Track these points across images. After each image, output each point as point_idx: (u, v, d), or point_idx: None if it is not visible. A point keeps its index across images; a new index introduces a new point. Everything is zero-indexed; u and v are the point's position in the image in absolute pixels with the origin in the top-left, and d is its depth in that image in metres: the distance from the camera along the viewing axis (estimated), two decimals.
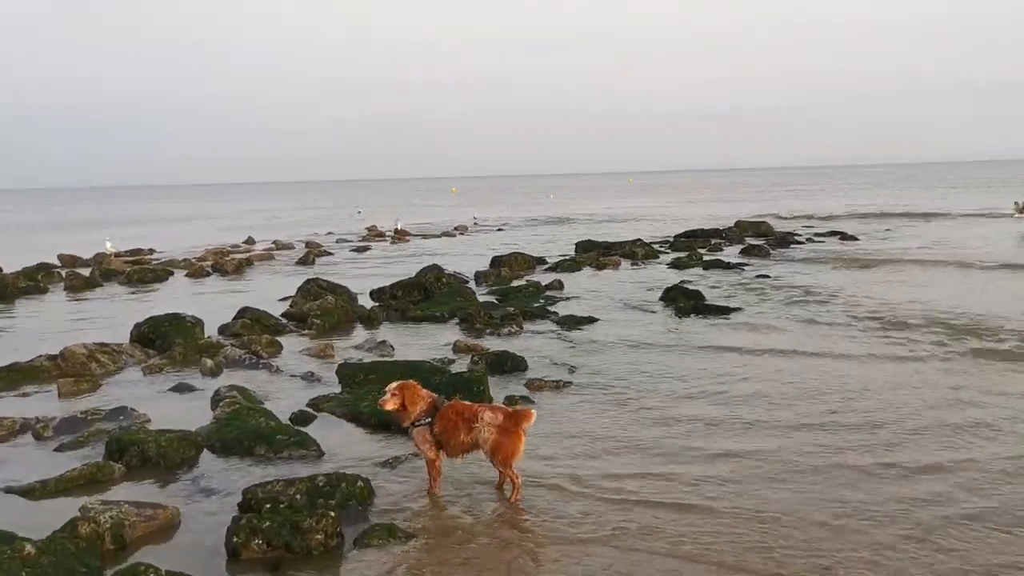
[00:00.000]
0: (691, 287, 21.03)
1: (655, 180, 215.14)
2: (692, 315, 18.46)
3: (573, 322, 17.89)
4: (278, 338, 16.38)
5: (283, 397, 12.29)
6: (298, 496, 8.04)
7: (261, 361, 14.43)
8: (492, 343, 15.89)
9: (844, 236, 36.53)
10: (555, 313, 19.08)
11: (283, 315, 19.01)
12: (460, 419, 8.43)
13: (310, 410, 11.50)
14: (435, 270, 23.74)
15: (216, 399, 11.64)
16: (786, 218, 51.13)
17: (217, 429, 10.31)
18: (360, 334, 17.69)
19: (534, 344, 15.72)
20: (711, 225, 42.39)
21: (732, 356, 14.36)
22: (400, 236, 44.91)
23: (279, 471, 9.26)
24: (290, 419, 11.01)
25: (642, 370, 13.54)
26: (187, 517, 8.08)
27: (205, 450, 9.98)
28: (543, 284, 23.15)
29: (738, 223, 42.58)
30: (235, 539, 7.22)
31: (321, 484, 8.18)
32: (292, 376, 13.69)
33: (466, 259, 31.92)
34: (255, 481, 8.72)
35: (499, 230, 50.32)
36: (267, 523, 7.32)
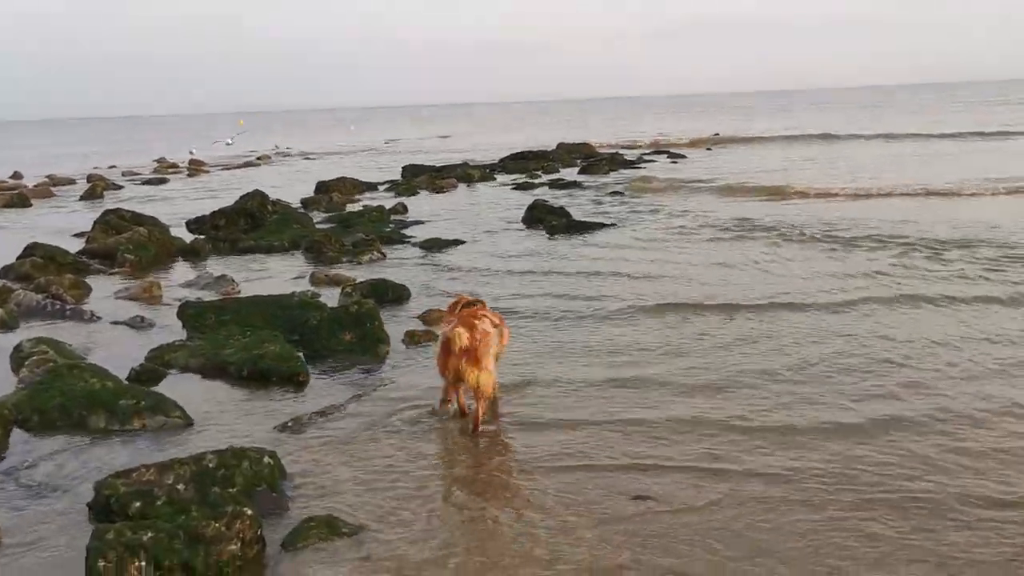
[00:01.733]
0: (553, 205, 19.36)
1: (451, 112, 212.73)
2: (566, 233, 16.81)
3: (439, 245, 15.80)
4: (83, 279, 13.16)
5: (109, 350, 9.46)
6: (181, 487, 5.59)
7: (68, 307, 11.32)
8: (355, 273, 13.53)
9: (672, 155, 36.24)
10: (412, 237, 16.88)
11: (81, 253, 15.58)
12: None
13: (154, 364, 8.80)
14: (259, 196, 20.62)
15: (18, 357, 8.68)
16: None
17: (29, 397, 7.47)
18: (185, 270, 14.73)
19: (404, 273, 13.47)
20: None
21: (629, 274, 12.82)
22: (198, 167, 40.44)
23: (137, 451, 6.70)
24: (129, 378, 8.31)
25: (549, 291, 11.74)
26: (9, 533, 5.45)
27: (14, 427, 7.17)
28: (386, 208, 20.73)
29: (560, 145, 41.53)
30: (101, 565, 4.74)
31: (212, 466, 5.75)
32: (115, 323, 10.75)
33: (283, 188, 28.57)
34: (107, 468, 6.18)
35: (306, 159, 46.67)
36: (148, 534, 4.87)
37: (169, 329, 10.27)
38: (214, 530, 4.91)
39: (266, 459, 5.92)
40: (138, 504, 5.44)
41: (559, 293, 11.64)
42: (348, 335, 9.29)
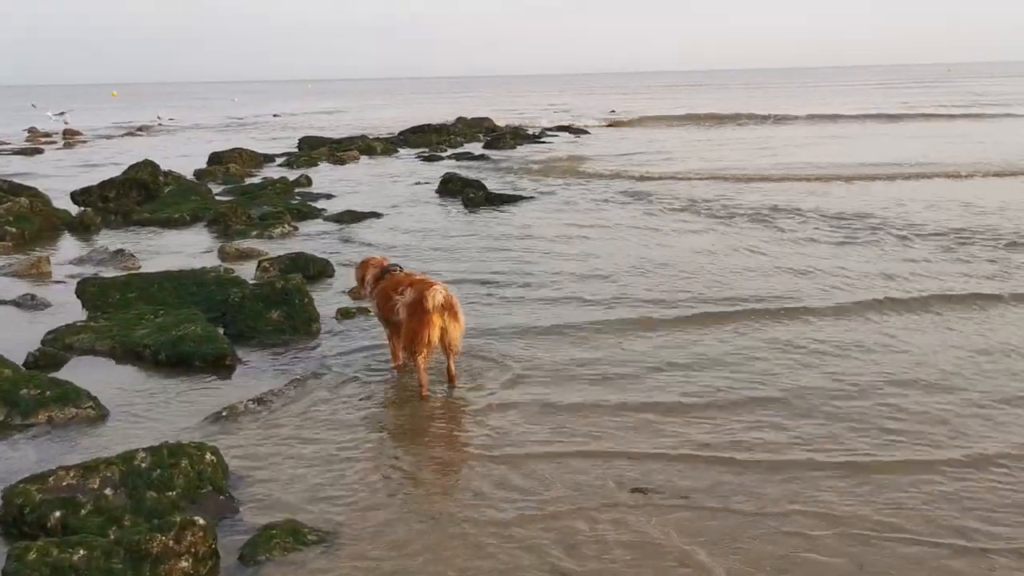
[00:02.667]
0: (465, 176, 18.68)
1: (339, 87, 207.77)
2: (486, 205, 16.18)
3: (353, 218, 14.93)
4: None
5: None
6: (109, 492, 4.77)
7: None
8: (266, 247, 12.59)
9: (573, 130, 35.96)
10: (323, 210, 15.94)
11: None
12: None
13: (53, 348, 7.77)
14: (150, 165, 19.16)
15: None
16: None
17: None
18: (74, 245, 13.42)
19: (320, 247, 12.59)
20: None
21: (555, 238, 12.34)
22: (73, 136, 37.80)
23: (46, 450, 5.79)
24: (26, 364, 7.30)
25: (470, 265, 11.12)
26: None
27: None
28: (289, 180, 19.60)
29: (459, 119, 40.77)
30: None
31: (145, 466, 4.93)
32: (0, 303, 9.58)
33: (172, 160, 26.80)
34: (13, 472, 5.29)
35: (192, 129, 44.34)
36: (80, 552, 4.06)
37: (65, 309, 9.19)
38: (160, 545, 4.14)
39: (208, 456, 5.13)
40: (58, 514, 4.61)
41: (487, 270, 11.02)
42: (275, 313, 8.45)
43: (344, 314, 8.85)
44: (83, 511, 4.64)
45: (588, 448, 5.70)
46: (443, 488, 5.28)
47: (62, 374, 7.13)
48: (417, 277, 7.15)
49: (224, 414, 6.28)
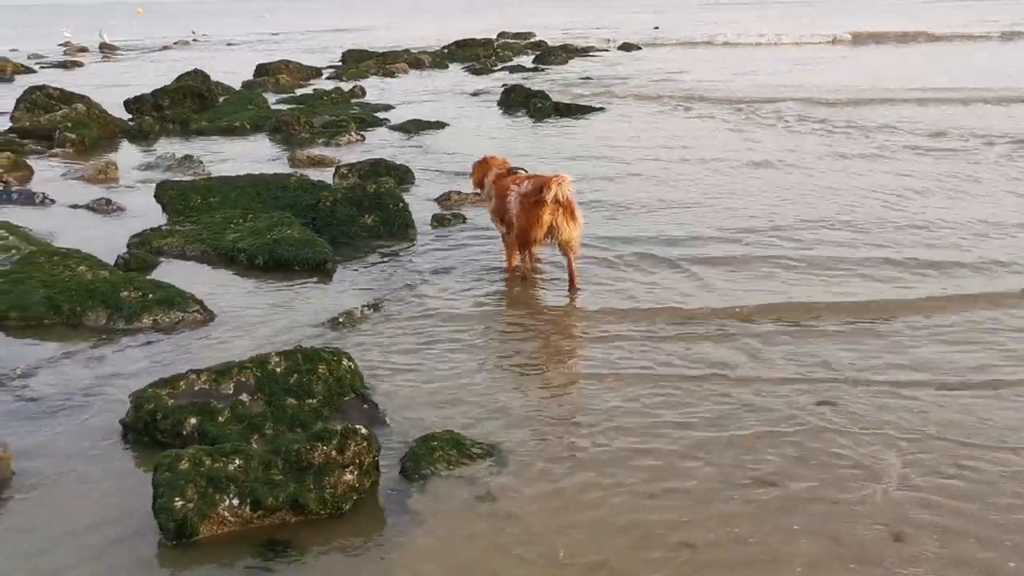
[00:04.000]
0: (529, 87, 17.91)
1: (350, 3, 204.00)
2: (554, 116, 15.46)
3: (419, 127, 14.29)
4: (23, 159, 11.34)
5: (79, 236, 7.90)
6: (245, 398, 4.34)
7: (13, 190, 9.59)
8: (335, 154, 12.03)
9: (624, 46, 34.65)
10: (386, 120, 15.29)
11: (9, 132, 13.58)
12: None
13: (142, 251, 7.33)
14: (200, 75, 18.56)
15: None
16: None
17: (2, 290, 6.01)
18: (137, 152, 12.93)
19: (393, 154, 12.00)
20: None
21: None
22: (111, 51, 37.08)
23: (158, 355, 5.37)
24: (116, 267, 6.87)
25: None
26: (22, 461, 4.12)
27: None
28: (344, 90, 18.92)
29: (501, 34, 39.55)
30: (178, 504, 3.50)
31: (280, 371, 4.49)
32: (74, 207, 9.14)
33: (217, 73, 26.14)
34: (126, 376, 4.91)
35: (229, 45, 43.37)
36: (236, 462, 3.64)
37: (143, 213, 8.74)
38: (323, 455, 3.69)
39: (345, 362, 4.67)
40: (194, 421, 4.19)
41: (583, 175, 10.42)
42: (369, 218, 7.95)
43: (440, 221, 8.32)
44: (220, 418, 4.21)
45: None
46: (587, 403, 4.80)
47: (156, 278, 6.68)
48: (536, 175, 6.64)
49: (341, 320, 5.82)
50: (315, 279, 6.85)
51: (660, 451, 4.15)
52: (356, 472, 3.72)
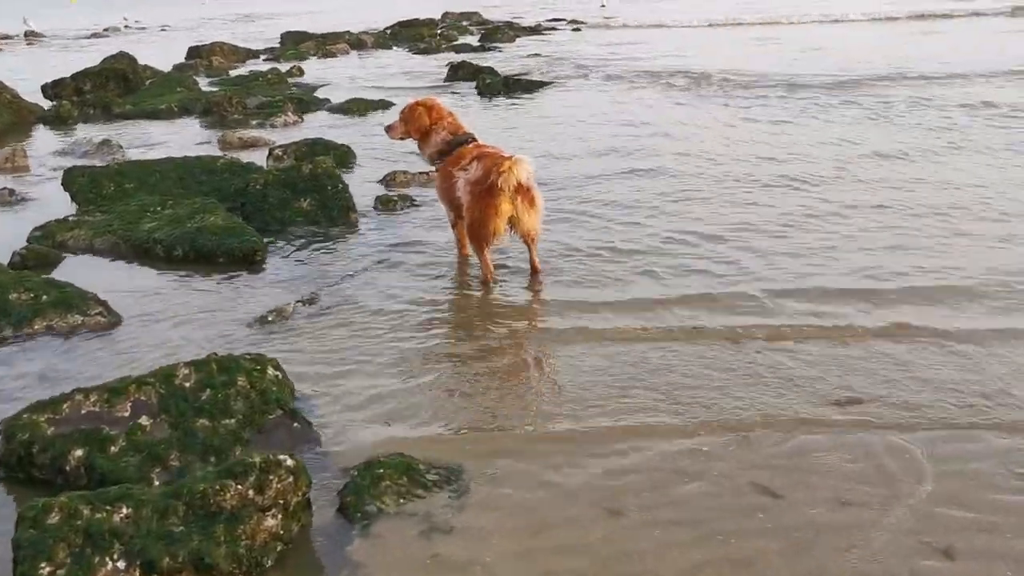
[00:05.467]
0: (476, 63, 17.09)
1: None
2: (503, 91, 14.67)
3: (362, 108, 13.39)
4: None
5: None
6: (146, 421, 3.53)
7: None
8: (271, 136, 11.12)
9: (573, 22, 33.91)
10: (326, 100, 14.37)
11: None
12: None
13: (43, 246, 6.42)
14: (126, 57, 17.46)
15: None
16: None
17: None
18: (52, 138, 11.88)
19: (334, 135, 11.10)
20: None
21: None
22: (35, 38, 35.32)
23: (50, 367, 4.51)
24: (12, 265, 5.98)
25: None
26: None
27: None
28: (280, 71, 17.91)
29: (446, 14, 38.53)
30: (45, 572, 2.69)
31: (190, 384, 3.69)
32: None
33: (147, 58, 24.85)
34: (10, 397, 4.05)
35: (163, 30, 41.70)
36: (123, 510, 2.83)
37: (51, 204, 7.81)
38: (236, 497, 2.91)
39: (270, 371, 3.88)
40: (80, 453, 3.38)
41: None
42: (305, 201, 7.12)
43: (384, 203, 7.51)
44: (113, 448, 3.41)
45: None
46: (553, 400, 4.06)
47: (57, 276, 5.79)
48: (489, 149, 5.81)
49: (270, 318, 5.02)
50: (243, 272, 6.02)
51: (650, 468, 3.44)
52: (280, 515, 2.95)
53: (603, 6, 46.66)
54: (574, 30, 32.15)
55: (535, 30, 31.01)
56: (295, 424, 3.73)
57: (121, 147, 10.30)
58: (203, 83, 17.14)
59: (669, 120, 11.45)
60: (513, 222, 5.40)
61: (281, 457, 3.03)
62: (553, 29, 32.56)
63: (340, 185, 7.29)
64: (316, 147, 9.27)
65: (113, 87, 14.99)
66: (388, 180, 8.38)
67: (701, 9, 36.86)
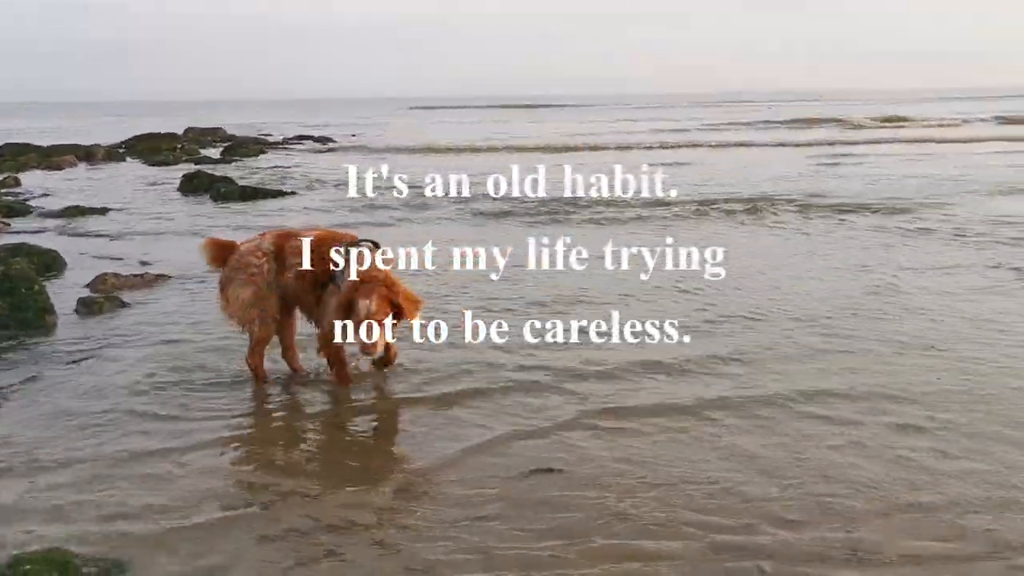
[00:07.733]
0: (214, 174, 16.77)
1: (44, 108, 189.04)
2: (239, 200, 14.45)
3: (80, 212, 12.71)
4: None
5: None
6: None
7: None
8: None
9: (316, 139, 34.29)
10: (40, 207, 13.49)
11: None
12: None
13: None
14: None
15: None
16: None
17: None
18: None
19: (44, 242, 10.37)
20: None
21: None
22: None
23: None
24: None
25: None
26: None
27: None
28: None
29: (189, 129, 37.80)
30: None
31: None
32: None
33: None
34: None
35: None
36: None
37: None
38: None
39: None
40: None
41: None
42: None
43: (88, 305, 7.06)
44: None
45: None
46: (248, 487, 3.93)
47: None
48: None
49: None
50: None
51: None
52: None
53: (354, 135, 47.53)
54: (321, 145, 32.59)
55: (280, 145, 31.11)
56: None
57: None
58: None
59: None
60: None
61: None
62: (300, 144, 32.85)
63: (36, 286, 6.78)
64: (18, 252, 8.62)
65: None
66: (98, 282, 7.90)
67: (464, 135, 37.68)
